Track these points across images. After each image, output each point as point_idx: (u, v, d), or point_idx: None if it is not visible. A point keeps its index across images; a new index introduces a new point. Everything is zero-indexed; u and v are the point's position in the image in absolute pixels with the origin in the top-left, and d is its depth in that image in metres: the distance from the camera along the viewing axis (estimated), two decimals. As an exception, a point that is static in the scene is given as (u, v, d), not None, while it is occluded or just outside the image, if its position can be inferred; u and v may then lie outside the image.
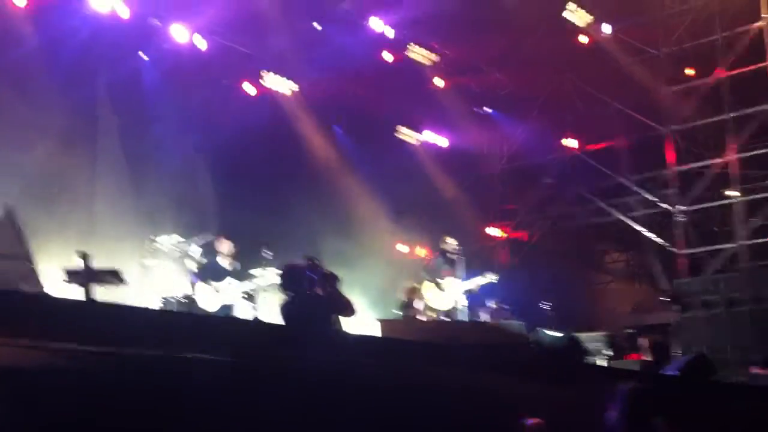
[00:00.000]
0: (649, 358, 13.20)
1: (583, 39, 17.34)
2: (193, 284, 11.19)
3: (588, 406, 6.14)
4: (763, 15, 15.58)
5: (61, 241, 11.25)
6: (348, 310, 7.86)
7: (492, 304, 14.33)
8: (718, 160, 16.55)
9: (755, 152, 15.97)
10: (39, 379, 3.86)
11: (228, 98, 15.04)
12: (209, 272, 11.17)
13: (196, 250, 11.42)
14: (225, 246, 11.36)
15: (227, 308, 10.98)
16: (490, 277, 12.11)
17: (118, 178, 13.20)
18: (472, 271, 12.62)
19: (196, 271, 11.35)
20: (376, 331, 7.28)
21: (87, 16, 12.65)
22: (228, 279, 11.11)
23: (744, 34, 15.98)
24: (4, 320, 3.75)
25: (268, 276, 10.81)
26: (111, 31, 12.96)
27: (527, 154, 19.37)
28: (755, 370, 9.99)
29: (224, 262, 11.31)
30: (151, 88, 13.84)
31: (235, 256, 11.45)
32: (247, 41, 15.07)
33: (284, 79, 15.80)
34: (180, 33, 13.91)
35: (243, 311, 10.90)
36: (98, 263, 9.07)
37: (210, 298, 10.93)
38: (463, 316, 11.91)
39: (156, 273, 11.09)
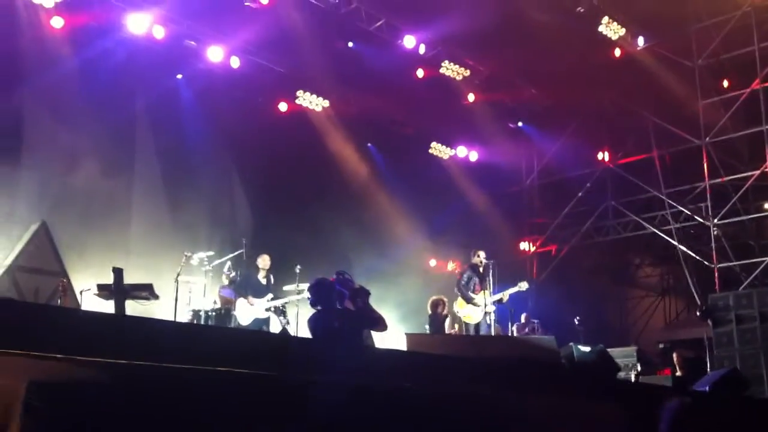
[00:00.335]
0: (681, 373, 13.10)
1: (617, 52, 17.28)
2: (223, 298, 11.43)
3: (619, 422, 6.13)
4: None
5: (98, 257, 11.53)
6: (379, 324, 7.88)
7: (522, 317, 14.31)
8: (754, 173, 16.36)
9: (792, 164, 15.76)
10: (72, 392, 3.97)
11: (263, 117, 15.26)
12: (248, 287, 11.41)
13: (229, 265, 11.67)
14: (264, 262, 11.64)
15: (261, 321, 11.19)
16: (521, 286, 12.07)
17: (154, 195, 13.48)
18: (504, 285, 12.62)
19: (227, 284, 11.59)
20: (402, 345, 7.32)
21: (123, 38, 12.97)
22: (269, 294, 11.37)
23: (781, 44, 15.87)
24: (40, 334, 3.88)
25: (306, 291, 11.05)
26: (147, 53, 13.26)
27: (560, 167, 19.36)
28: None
29: (262, 277, 11.55)
30: (186, 108, 14.10)
31: (270, 271, 11.71)
32: (281, 60, 15.29)
33: (318, 97, 16.00)
34: (215, 53, 14.15)
35: (277, 325, 11.10)
36: (134, 278, 9.29)
37: (246, 311, 11.18)
38: (493, 330, 11.91)
39: (190, 287, 11.31)
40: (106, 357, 3.99)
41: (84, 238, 11.74)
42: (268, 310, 11.37)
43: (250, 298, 11.31)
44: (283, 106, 15.86)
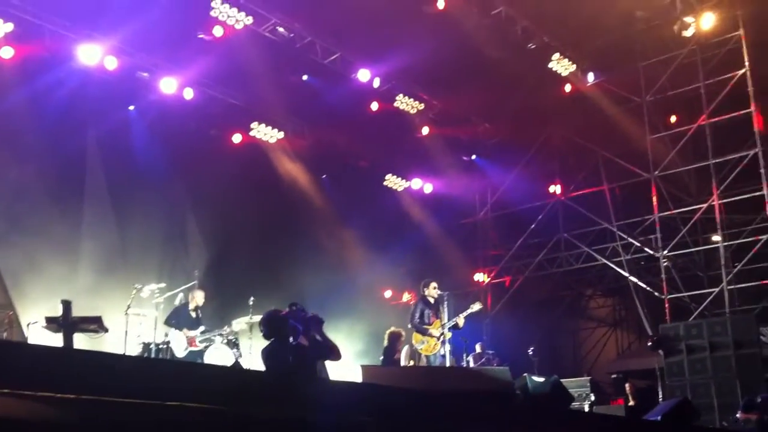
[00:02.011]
0: (633, 403, 13.24)
1: (567, 87, 17.62)
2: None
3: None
4: (745, 63, 15.86)
5: (46, 289, 11.29)
6: (333, 353, 7.80)
7: (477, 348, 14.31)
8: (701, 206, 16.68)
9: (738, 197, 16.08)
10: (17, 428, 3.86)
11: (216, 148, 15.19)
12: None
13: (180, 297, 11.55)
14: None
15: (196, 354, 11.08)
16: (473, 307, 12.05)
17: (104, 227, 13.29)
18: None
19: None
20: (357, 377, 7.28)
21: (74, 69, 12.81)
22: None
23: (726, 81, 16.21)
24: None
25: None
26: (98, 84, 13.12)
27: (513, 200, 19.57)
28: (738, 415, 10.02)
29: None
30: (139, 140, 13.97)
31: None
32: (235, 92, 15.27)
33: (273, 129, 15.98)
34: (168, 85, 14.05)
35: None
36: (83, 311, 9.11)
37: (181, 343, 11.10)
38: (447, 362, 11.86)
39: (140, 320, 11.15)
40: (54, 392, 3.90)
41: (32, 270, 11.51)
42: (224, 343, 11.26)
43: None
44: (237, 138, 15.81)
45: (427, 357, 11.70)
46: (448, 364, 11.72)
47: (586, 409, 12.48)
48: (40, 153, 12.21)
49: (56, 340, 8.60)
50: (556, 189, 19.33)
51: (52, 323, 8.68)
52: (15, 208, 11.91)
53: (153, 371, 5.07)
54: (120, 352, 9.98)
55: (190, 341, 11.15)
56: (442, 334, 11.69)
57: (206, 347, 11.23)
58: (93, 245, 12.97)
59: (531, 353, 13.85)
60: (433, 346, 11.63)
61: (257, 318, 10.71)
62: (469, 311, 11.90)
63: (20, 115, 11.97)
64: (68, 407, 3.91)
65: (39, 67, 12.46)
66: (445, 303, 11.89)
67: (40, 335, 9.16)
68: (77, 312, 8.63)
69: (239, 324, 11.46)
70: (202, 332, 11.29)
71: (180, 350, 11.08)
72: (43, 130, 12.12)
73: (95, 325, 8.83)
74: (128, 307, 10.79)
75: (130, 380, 4.38)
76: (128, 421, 4.16)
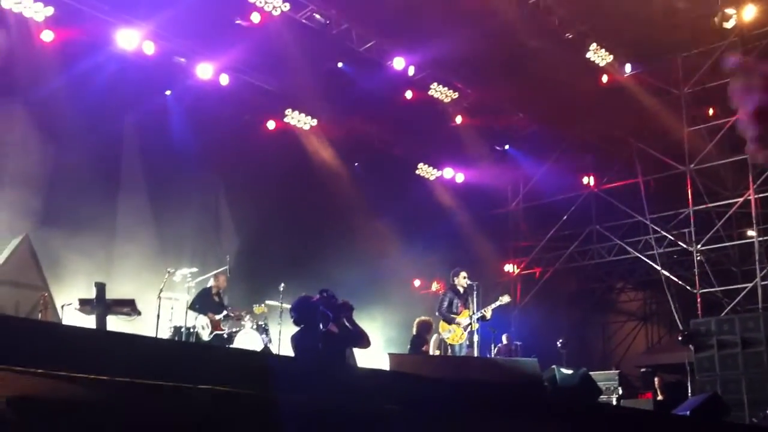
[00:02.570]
0: (662, 397, 13.16)
1: (604, 78, 17.44)
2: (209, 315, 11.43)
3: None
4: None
5: (80, 272, 11.47)
6: (363, 340, 7.84)
7: (503, 339, 14.28)
8: (737, 200, 16.48)
9: (775, 192, 15.89)
10: (51, 407, 3.95)
11: (251, 134, 15.28)
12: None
13: (210, 282, 11.67)
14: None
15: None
16: (503, 299, 12.02)
17: (139, 211, 13.44)
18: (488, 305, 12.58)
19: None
20: (385, 365, 7.31)
21: (113, 53, 12.95)
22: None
23: (766, 73, 15.94)
24: (19, 348, 3.85)
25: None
26: (136, 68, 13.25)
27: (545, 191, 19.47)
28: (769, 412, 9.95)
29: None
30: (175, 125, 14.10)
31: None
32: (270, 79, 15.34)
33: (307, 116, 16.05)
34: (204, 70, 14.17)
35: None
36: (116, 294, 9.24)
37: (206, 328, 11.23)
38: (475, 351, 11.86)
39: (172, 304, 11.29)
40: (87, 372, 3.97)
41: (67, 252, 11.68)
42: (254, 328, 11.36)
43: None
44: (271, 124, 15.89)
45: (452, 346, 11.71)
46: (475, 354, 11.72)
47: (614, 402, 12.43)
48: (78, 137, 12.36)
49: (90, 322, 8.74)
50: (589, 180, 19.20)
51: (86, 305, 8.82)
52: (52, 192, 12.10)
53: (184, 354, 5.15)
54: (152, 335, 10.11)
55: (215, 325, 11.26)
56: (470, 324, 11.68)
57: (232, 331, 11.34)
58: (128, 229, 13.14)
59: (560, 345, 13.80)
60: (460, 335, 11.63)
61: (287, 304, 10.81)
62: (497, 303, 11.89)
63: (59, 99, 12.11)
64: (101, 388, 3.99)
65: (78, 51, 12.60)
66: (475, 293, 11.88)
67: (73, 317, 9.31)
68: (111, 294, 8.77)
69: (259, 308, 11.56)
70: (225, 316, 11.40)
71: (205, 334, 11.21)
72: (82, 114, 12.26)
73: (128, 308, 8.96)
74: (161, 290, 10.93)
75: (161, 363, 4.46)
76: (160, 403, 4.23)
